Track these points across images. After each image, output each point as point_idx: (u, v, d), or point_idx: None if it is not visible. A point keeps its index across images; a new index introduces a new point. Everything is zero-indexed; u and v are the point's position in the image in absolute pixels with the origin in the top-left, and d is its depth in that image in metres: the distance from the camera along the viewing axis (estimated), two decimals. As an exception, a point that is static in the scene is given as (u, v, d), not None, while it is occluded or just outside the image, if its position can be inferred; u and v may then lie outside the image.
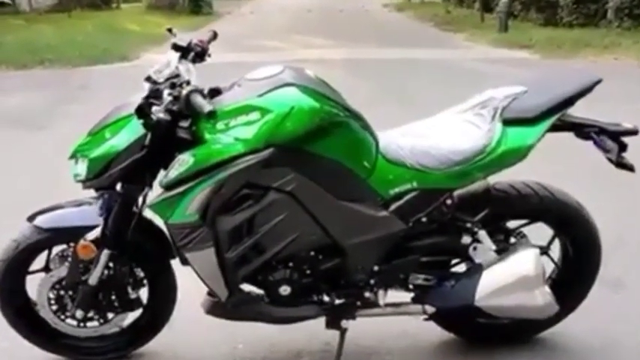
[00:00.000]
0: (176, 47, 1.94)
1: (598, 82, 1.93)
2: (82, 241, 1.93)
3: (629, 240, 3.05)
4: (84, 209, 2.03)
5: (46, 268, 2.10)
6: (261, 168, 1.80)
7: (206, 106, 1.67)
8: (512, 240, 2.12)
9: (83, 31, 11.85)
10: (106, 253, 1.99)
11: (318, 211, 1.90)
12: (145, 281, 2.14)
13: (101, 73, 8.18)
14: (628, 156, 1.95)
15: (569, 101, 1.91)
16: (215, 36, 2.18)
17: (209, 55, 2.07)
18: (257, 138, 1.77)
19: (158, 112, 1.76)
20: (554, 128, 1.96)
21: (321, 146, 1.84)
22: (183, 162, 1.77)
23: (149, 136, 1.83)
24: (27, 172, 4.20)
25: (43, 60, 9.06)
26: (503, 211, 2.07)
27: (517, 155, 1.90)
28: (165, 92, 1.76)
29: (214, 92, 1.92)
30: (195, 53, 1.99)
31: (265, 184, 1.83)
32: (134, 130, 1.84)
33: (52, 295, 2.09)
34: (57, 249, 2.09)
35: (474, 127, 1.93)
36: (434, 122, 2.04)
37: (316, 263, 1.99)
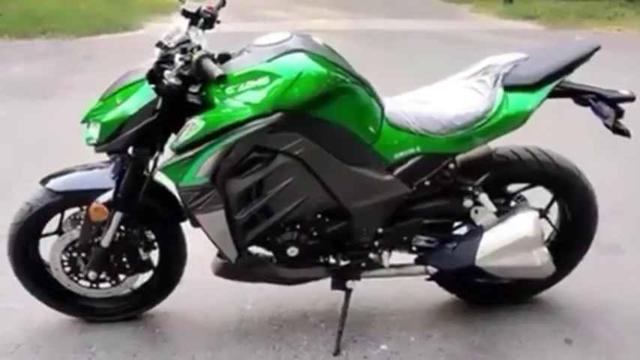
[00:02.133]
0: (186, 13, 1.98)
1: (596, 49, 1.97)
2: (94, 204, 1.99)
3: (627, 207, 3.12)
4: (96, 173, 2.09)
5: (59, 231, 2.16)
6: (269, 132, 1.84)
7: (216, 70, 1.71)
8: (513, 203, 2.17)
9: (86, 0, 11.75)
10: (117, 215, 2.05)
11: (324, 174, 1.95)
12: (155, 244, 2.20)
13: (105, 43, 8.15)
14: (627, 123, 2.00)
15: (569, 68, 1.95)
16: (224, 2, 2.21)
17: (218, 22, 2.10)
18: (265, 102, 1.81)
19: (170, 77, 1.80)
20: (554, 94, 2.00)
21: (328, 111, 1.88)
22: (194, 126, 1.82)
23: (160, 100, 1.87)
24: (35, 139, 4.25)
25: (46, 30, 8.99)
26: (504, 176, 2.13)
27: (517, 120, 1.94)
28: (177, 57, 1.80)
29: (224, 57, 1.96)
30: (204, 20, 2.02)
31: (273, 148, 1.88)
32: (145, 94, 1.88)
33: (65, 257, 2.16)
34: (69, 212, 2.15)
35: (476, 94, 1.97)
36: (438, 89, 2.08)
37: (323, 226, 2.05)
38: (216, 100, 1.84)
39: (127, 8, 10.61)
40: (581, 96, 2.02)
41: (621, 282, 2.51)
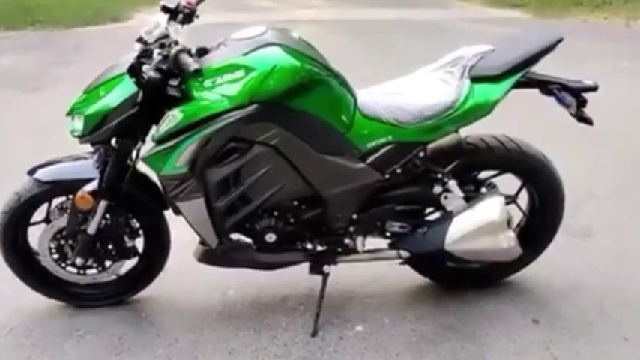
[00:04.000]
0: (165, 9, 2.05)
1: (560, 40, 2.06)
2: (80, 193, 2.08)
3: (597, 192, 3.23)
4: (81, 163, 2.17)
5: (47, 220, 2.24)
6: (245, 123, 1.93)
7: (192, 64, 1.80)
8: (483, 190, 2.27)
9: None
10: (103, 204, 2.13)
11: (300, 163, 2.04)
12: (140, 231, 2.29)
13: (93, 34, 8.17)
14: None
15: (533, 59, 2.04)
16: None
17: (197, 17, 2.18)
18: (241, 94, 1.90)
19: (149, 71, 1.88)
20: (520, 85, 2.09)
21: (303, 102, 1.97)
22: (173, 118, 1.90)
23: (141, 93, 1.95)
24: (24, 130, 4.31)
25: (34, 21, 9.01)
26: (473, 163, 2.22)
27: (483, 110, 2.04)
28: (155, 52, 1.88)
29: (202, 51, 2.03)
30: (183, 15, 2.10)
31: (250, 139, 1.97)
32: (127, 88, 1.96)
33: (52, 245, 2.24)
34: (57, 201, 2.23)
35: (445, 84, 2.06)
36: (409, 80, 2.17)
37: (299, 212, 2.14)
38: (195, 93, 1.93)
39: (116, 1, 10.61)
40: (546, 86, 2.11)
41: (589, 264, 2.62)
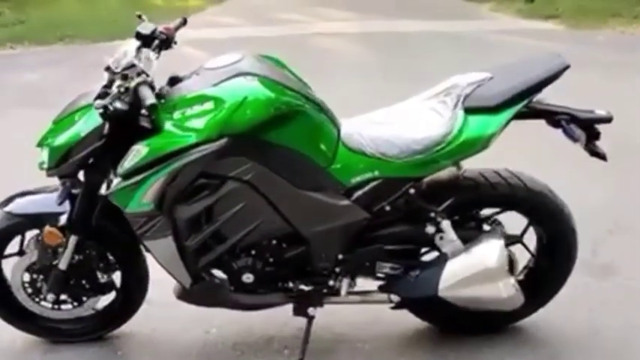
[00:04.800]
0: (138, 35, 1.94)
1: (565, 68, 1.86)
2: (47, 228, 1.98)
3: (623, 224, 2.97)
4: (54, 196, 2.07)
5: (20, 252, 2.15)
6: (216, 158, 1.79)
7: (149, 99, 1.67)
8: (486, 227, 2.08)
9: (107, 7, 11.92)
10: (73, 238, 2.03)
11: (277, 200, 1.89)
12: (116, 265, 2.18)
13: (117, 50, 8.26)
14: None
15: (535, 88, 1.85)
16: (184, 22, 2.17)
17: (175, 43, 2.06)
18: (210, 128, 1.76)
19: (114, 102, 1.76)
20: (523, 115, 1.90)
21: (279, 135, 1.82)
22: (138, 152, 1.78)
23: (107, 125, 1.84)
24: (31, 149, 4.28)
25: (64, 36, 9.18)
26: (472, 200, 2.03)
27: (478, 145, 1.85)
28: (115, 84, 1.77)
29: (174, 81, 1.92)
30: (160, 41, 1.98)
31: (222, 174, 1.83)
32: (93, 119, 1.85)
33: (26, 279, 2.15)
34: (32, 233, 2.14)
35: (437, 115, 1.88)
36: (398, 109, 2.00)
37: (279, 251, 1.99)
38: (165, 125, 1.80)
39: (146, 14, 10.72)
40: (552, 117, 1.92)
41: (611, 309, 2.37)
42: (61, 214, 2.01)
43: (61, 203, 1.98)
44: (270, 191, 1.87)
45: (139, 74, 1.77)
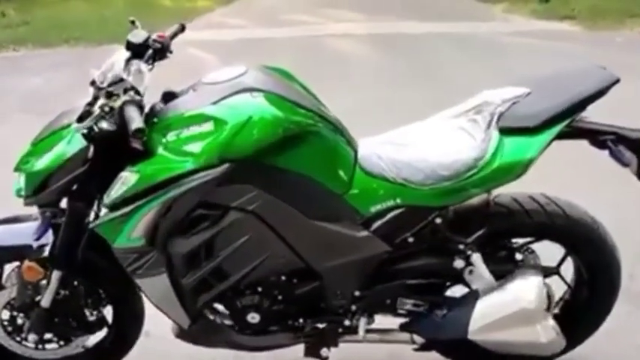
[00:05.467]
0: (128, 45, 1.72)
1: (615, 82, 1.63)
2: (26, 263, 1.76)
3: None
4: (35, 225, 1.85)
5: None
6: (216, 186, 1.57)
7: (134, 122, 1.44)
8: (518, 256, 1.85)
9: (114, 7, 11.74)
10: (56, 274, 1.81)
11: (286, 231, 1.67)
12: (107, 300, 1.96)
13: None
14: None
15: (579, 106, 1.62)
16: (182, 29, 1.95)
17: (171, 52, 1.85)
18: (210, 152, 1.54)
19: (100, 123, 1.54)
20: (564, 135, 1.66)
21: (288, 159, 1.60)
22: (126, 180, 1.56)
23: (92, 148, 1.62)
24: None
25: (69, 38, 8.98)
26: (504, 229, 1.80)
27: (515, 171, 1.62)
28: (98, 102, 1.55)
29: (169, 97, 1.70)
30: (153, 50, 1.77)
31: (223, 203, 1.61)
32: (76, 141, 1.63)
33: (5, 316, 1.94)
34: (12, 265, 1.93)
35: (467, 137, 1.66)
36: (422, 129, 1.77)
37: (288, 288, 1.77)
38: (158, 148, 1.58)
39: (151, 15, 10.50)
40: (597, 137, 1.68)
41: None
42: (42, 246, 1.80)
43: (40, 237, 1.75)
44: (278, 222, 1.65)
45: (126, 91, 1.55)
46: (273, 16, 10.21)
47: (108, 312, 2.00)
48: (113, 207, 1.60)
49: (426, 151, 1.67)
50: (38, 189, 1.66)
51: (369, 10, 10.79)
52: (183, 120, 1.57)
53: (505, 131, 1.63)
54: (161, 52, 1.79)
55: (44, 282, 1.86)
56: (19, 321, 1.92)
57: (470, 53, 6.95)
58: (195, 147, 1.55)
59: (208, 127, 1.54)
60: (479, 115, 1.67)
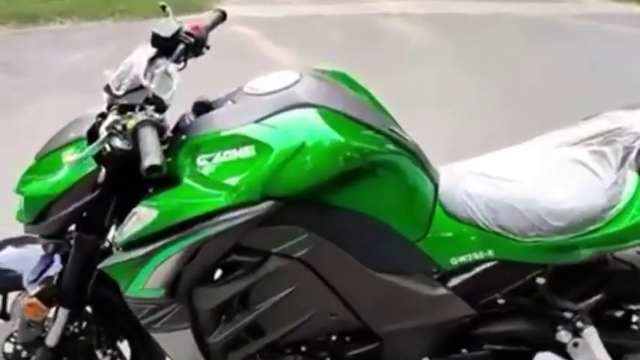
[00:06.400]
0: (154, 40, 1.37)
1: None
2: (26, 299, 1.46)
3: None
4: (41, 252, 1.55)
5: (3, 315, 1.66)
6: (256, 227, 1.22)
7: (148, 156, 1.08)
8: (635, 319, 1.44)
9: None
10: (63, 311, 1.51)
11: (341, 285, 1.31)
12: (121, 336, 1.66)
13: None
14: None
15: None
16: (224, 17, 1.59)
17: (207, 47, 1.49)
18: (249, 186, 1.18)
19: (113, 140, 1.20)
20: None
21: (348, 196, 1.24)
22: (142, 217, 1.22)
23: (103, 170, 1.28)
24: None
25: (114, 11, 8.77)
26: (625, 293, 1.39)
27: None
28: (107, 120, 1.20)
29: (202, 107, 1.34)
30: (185, 46, 1.41)
31: (263, 248, 1.26)
32: (84, 161, 1.29)
33: (8, 349, 1.66)
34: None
35: (591, 176, 1.24)
36: (524, 156, 1.37)
37: (339, 349, 1.41)
38: (184, 175, 1.23)
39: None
40: None
41: None
42: (48, 278, 1.49)
43: (45, 268, 1.45)
44: (331, 273, 1.29)
45: (144, 105, 1.19)
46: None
47: (125, 347, 1.70)
48: (127, 246, 1.27)
49: (531, 191, 1.27)
50: (39, 217, 1.33)
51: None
52: (218, 141, 1.22)
53: (646, 174, 1.22)
54: (195, 47, 1.43)
55: (50, 315, 1.57)
56: (24, 354, 1.65)
57: (539, 37, 6.35)
58: (232, 177, 1.19)
59: (248, 152, 1.19)
60: (608, 146, 1.25)
